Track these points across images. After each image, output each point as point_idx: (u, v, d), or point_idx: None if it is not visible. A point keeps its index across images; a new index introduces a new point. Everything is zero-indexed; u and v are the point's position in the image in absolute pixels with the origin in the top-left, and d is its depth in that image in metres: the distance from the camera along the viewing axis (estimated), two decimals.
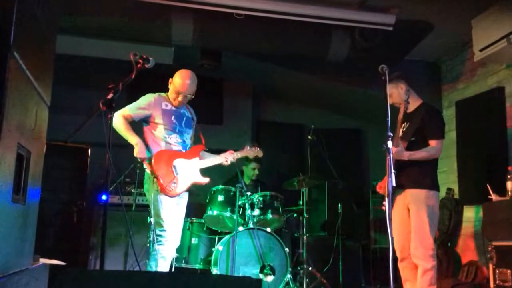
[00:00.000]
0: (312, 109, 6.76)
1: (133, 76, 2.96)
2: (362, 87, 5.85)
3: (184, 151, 3.67)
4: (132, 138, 3.50)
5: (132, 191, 4.94)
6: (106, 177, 2.83)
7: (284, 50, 4.99)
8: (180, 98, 3.64)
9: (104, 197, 4.82)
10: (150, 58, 3.05)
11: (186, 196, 3.72)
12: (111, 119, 2.83)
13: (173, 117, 3.63)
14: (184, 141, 3.69)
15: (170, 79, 3.71)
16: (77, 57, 5.12)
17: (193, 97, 3.70)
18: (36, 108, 2.11)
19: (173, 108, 3.66)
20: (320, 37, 4.88)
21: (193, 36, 4.65)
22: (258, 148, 4.09)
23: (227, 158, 3.82)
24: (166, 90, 3.75)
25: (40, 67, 2.17)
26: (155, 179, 3.45)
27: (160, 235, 3.45)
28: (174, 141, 3.62)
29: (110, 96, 2.79)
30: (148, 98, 3.65)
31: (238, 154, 3.96)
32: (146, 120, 3.63)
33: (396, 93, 3.74)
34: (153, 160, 3.49)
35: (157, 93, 3.69)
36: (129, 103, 5.81)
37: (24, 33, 1.84)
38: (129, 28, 4.60)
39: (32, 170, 2.14)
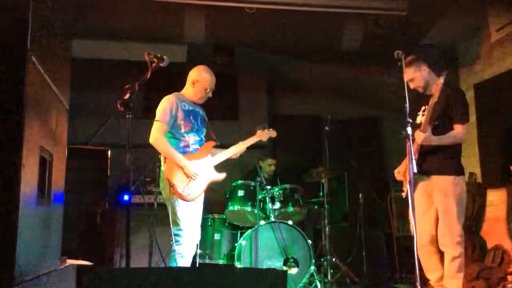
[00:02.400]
0: (328, 99, 6.70)
1: (149, 75, 2.97)
2: (378, 74, 5.79)
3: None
4: (179, 160, 3.45)
5: (153, 189, 4.97)
6: (127, 177, 2.85)
7: (297, 42, 4.97)
8: (210, 94, 3.67)
9: (126, 197, 4.89)
10: (165, 57, 3.06)
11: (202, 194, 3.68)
12: (129, 119, 2.84)
13: (191, 117, 3.60)
14: (201, 139, 3.67)
15: (191, 76, 3.67)
16: (93, 60, 5.18)
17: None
18: (56, 111, 2.14)
19: (191, 108, 3.64)
20: (333, 27, 4.84)
21: (205, 32, 4.66)
22: (270, 128, 3.98)
23: (236, 148, 3.76)
24: (180, 88, 3.73)
25: (57, 71, 2.20)
26: (171, 187, 3.43)
27: (177, 235, 3.42)
28: (193, 140, 3.59)
29: (127, 96, 2.80)
30: (171, 102, 3.56)
31: (250, 141, 3.85)
32: None
33: (419, 76, 3.65)
34: (166, 169, 3.45)
35: (173, 94, 3.63)
36: (146, 103, 5.85)
37: (41, 38, 1.87)
38: (142, 29, 4.64)
39: (55, 172, 2.18)
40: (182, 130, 3.55)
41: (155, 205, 4.97)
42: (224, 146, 3.85)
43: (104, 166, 5.02)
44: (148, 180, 5.15)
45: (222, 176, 3.69)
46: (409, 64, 3.60)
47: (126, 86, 2.85)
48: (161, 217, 4.91)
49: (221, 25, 4.74)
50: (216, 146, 3.80)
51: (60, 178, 2.36)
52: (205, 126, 3.76)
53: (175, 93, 3.68)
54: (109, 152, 5.01)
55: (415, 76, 3.64)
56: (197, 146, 3.62)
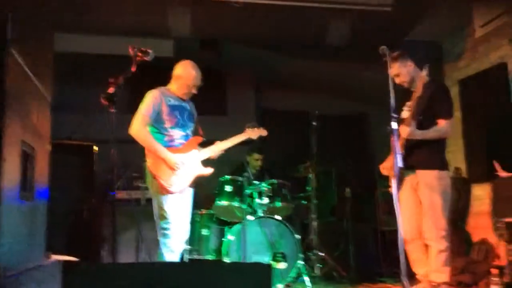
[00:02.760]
0: (316, 95, 6.70)
1: (133, 69, 2.94)
2: (364, 70, 5.80)
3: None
4: (160, 151, 3.43)
5: (140, 185, 4.93)
6: (113, 173, 2.83)
7: (283, 36, 4.96)
8: (194, 90, 3.64)
9: (112, 193, 4.85)
10: (150, 51, 3.04)
11: (190, 189, 3.67)
12: (113, 114, 2.81)
13: (177, 112, 3.58)
14: (187, 135, 3.65)
15: (175, 72, 3.64)
16: (77, 54, 5.12)
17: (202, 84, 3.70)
18: (38, 105, 2.11)
19: (176, 103, 3.61)
20: (319, 21, 4.83)
21: (191, 26, 4.63)
22: (260, 128, 3.96)
23: (224, 144, 3.73)
24: (167, 83, 3.71)
25: (39, 64, 2.17)
26: (155, 180, 3.42)
27: (165, 228, 3.42)
28: (178, 135, 3.57)
29: (111, 90, 2.77)
30: (155, 96, 3.54)
31: (238, 138, 3.83)
32: None
33: (405, 71, 3.67)
34: (150, 162, 3.44)
35: (157, 89, 3.60)
36: (132, 98, 5.77)
37: (22, 30, 1.83)
38: (127, 22, 4.59)
39: (38, 167, 2.14)
40: (167, 125, 3.53)
41: (142, 201, 4.94)
42: (211, 142, 3.81)
43: (90, 162, 4.97)
44: (135, 175, 5.11)
45: (208, 171, 3.67)
46: (394, 59, 3.61)
47: (110, 80, 2.82)
48: (148, 213, 4.89)
49: (207, 19, 4.71)
50: (202, 142, 3.77)
51: (43, 173, 2.33)
52: (192, 121, 3.73)
53: (160, 87, 3.65)
54: (95, 147, 4.96)
55: (401, 71, 3.66)
56: (182, 141, 3.60)
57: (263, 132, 3.98)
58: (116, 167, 2.81)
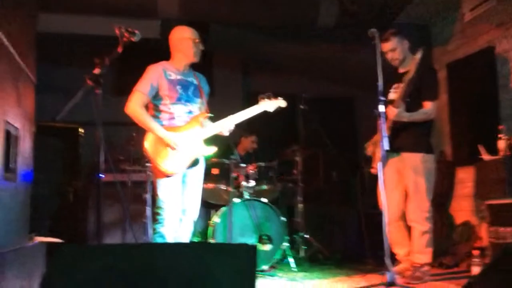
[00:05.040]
0: (303, 78, 6.72)
1: (120, 50, 2.91)
2: (352, 53, 5.82)
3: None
4: (157, 130, 3.28)
5: (126, 168, 4.92)
6: (99, 155, 2.81)
7: (272, 18, 4.93)
8: (201, 46, 3.45)
9: (98, 176, 4.84)
10: (136, 31, 2.99)
11: (196, 168, 3.46)
12: (99, 95, 2.79)
13: (178, 86, 3.40)
14: (191, 112, 3.44)
15: (173, 40, 3.48)
16: (62, 34, 5.04)
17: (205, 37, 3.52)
18: (21, 84, 2.09)
19: (178, 77, 3.43)
20: (308, 3, 4.82)
21: (179, 7, 4.58)
22: (278, 97, 3.60)
23: (235, 118, 3.49)
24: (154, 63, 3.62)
25: (23, 44, 2.14)
26: (151, 162, 3.31)
27: (157, 213, 3.30)
28: (180, 112, 3.39)
29: (96, 71, 2.74)
30: (153, 72, 3.38)
31: (252, 111, 3.54)
32: None
33: (401, 48, 3.69)
34: (145, 142, 3.30)
35: (158, 63, 3.45)
36: (118, 80, 5.74)
37: (4, 8, 1.81)
38: (113, 2, 4.52)
39: (22, 147, 2.13)
40: (167, 102, 3.37)
41: (129, 184, 4.94)
42: (212, 116, 3.58)
43: (76, 144, 4.94)
44: (122, 158, 5.11)
45: (210, 150, 3.43)
46: (393, 34, 3.64)
47: (96, 61, 2.79)
48: (134, 196, 4.91)
49: (195, 0, 4.66)
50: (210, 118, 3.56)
51: (27, 154, 2.31)
52: (198, 96, 3.51)
53: (162, 62, 3.49)
54: (80, 130, 4.93)
55: (397, 46, 3.67)
56: (185, 118, 3.42)
57: (282, 103, 3.64)
58: (102, 149, 2.78)
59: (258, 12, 4.99)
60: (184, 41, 3.47)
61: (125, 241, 4.99)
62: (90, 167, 5.19)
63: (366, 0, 4.70)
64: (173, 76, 3.44)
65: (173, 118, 3.40)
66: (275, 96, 3.65)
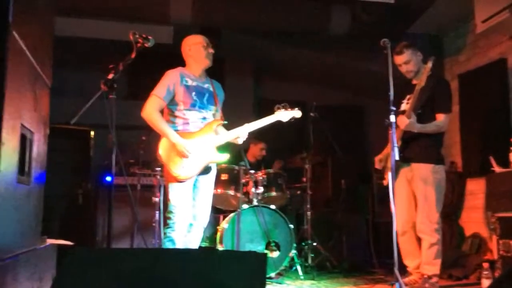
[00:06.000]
0: (314, 86, 6.72)
1: (134, 55, 2.93)
2: (364, 62, 5.81)
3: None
4: (171, 136, 3.29)
5: (137, 171, 4.95)
6: (110, 158, 2.83)
7: (284, 25, 4.95)
8: (211, 49, 3.48)
9: (108, 178, 4.87)
10: (150, 37, 3.02)
11: (208, 174, 3.48)
12: (113, 99, 2.81)
13: (193, 93, 3.41)
14: (205, 118, 3.46)
15: (184, 48, 3.51)
16: (77, 39, 5.09)
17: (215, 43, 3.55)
18: (38, 88, 2.11)
19: (194, 84, 3.46)
20: (320, 11, 4.83)
21: (192, 13, 4.60)
22: (294, 108, 3.60)
23: (249, 127, 3.49)
24: (167, 69, 3.63)
25: (39, 48, 2.16)
26: (163, 166, 3.34)
27: (168, 218, 3.31)
28: (194, 118, 3.41)
29: (111, 76, 2.77)
30: (171, 76, 3.41)
31: (267, 120, 3.55)
32: None
33: (415, 60, 3.67)
34: (159, 148, 3.32)
35: (176, 69, 3.48)
36: (131, 85, 5.77)
37: (23, 13, 1.83)
38: (127, 8, 4.56)
39: (36, 151, 2.15)
40: (182, 107, 3.39)
41: (138, 187, 4.96)
42: (226, 123, 3.60)
43: (86, 147, 4.97)
44: (132, 161, 5.13)
45: (223, 157, 3.44)
46: (406, 46, 3.64)
47: (110, 66, 2.82)
48: (144, 199, 4.92)
49: (208, 6, 4.69)
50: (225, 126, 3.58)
51: (41, 157, 2.33)
52: (213, 103, 3.53)
53: (180, 67, 3.52)
54: (91, 132, 4.96)
55: (412, 59, 3.66)
56: (199, 124, 3.44)
57: (297, 114, 3.63)
58: (113, 153, 2.80)
59: (270, 19, 5.01)
60: (193, 46, 3.51)
61: (134, 245, 5.00)
62: (100, 170, 5.22)
63: (378, 10, 4.69)
64: (190, 82, 3.46)
65: (187, 123, 3.42)
66: (291, 106, 3.64)
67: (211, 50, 3.53)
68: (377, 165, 3.82)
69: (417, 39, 5.68)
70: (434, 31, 5.93)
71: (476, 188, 5.12)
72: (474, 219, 5.12)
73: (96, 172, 5.19)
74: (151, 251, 2.86)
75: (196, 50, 3.50)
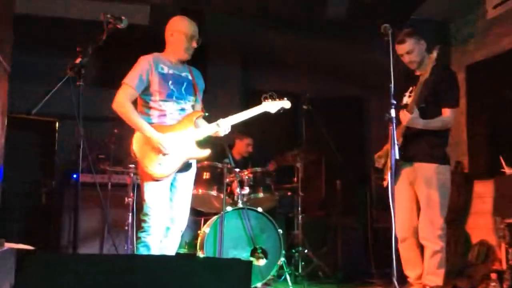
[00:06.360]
0: (308, 75, 6.73)
1: (104, 37, 2.90)
2: (363, 50, 5.82)
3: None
4: (145, 130, 3.25)
5: (107, 168, 4.92)
6: (77, 153, 2.80)
7: (274, 8, 4.92)
8: (194, 44, 3.44)
9: (75, 176, 4.83)
10: (123, 18, 2.98)
11: (187, 172, 3.46)
12: (80, 86, 2.78)
13: (170, 82, 3.39)
14: (183, 109, 3.44)
15: (167, 30, 3.46)
16: (41, 18, 5.02)
17: (201, 40, 3.49)
18: None
19: (171, 71, 3.43)
20: None
21: None
22: (282, 98, 3.62)
23: (234, 119, 3.48)
24: (142, 54, 3.59)
25: None
26: (137, 163, 3.31)
27: (143, 220, 3.28)
28: (171, 109, 3.39)
29: (78, 60, 2.74)
30: (144, 63, 3.37)
31: (253, 111, 3.55)
32: None
33: (418, 49, 3.68)
34: (133, 142, 3.29)
35: (150, 55, 3.44)
36: (102, 71, 5.73)
37: None
38: None
39: None
40: (157, 98, 3.36)
41: (109, 186, 4.94)
42: (207, 115, 3.57)
43: (51, 140, 4.93)
44: (102, 157, 5.09)
45: (204, 153, 3.41)
46: (409, 34, 3.64)
47: (78, 49, 2.78)
48: (116, 199, 4.90)
49: None
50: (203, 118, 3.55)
51: None
52: (193, 94, 3.51)
53: (155, 53, 3.47)
54: (56, 124, 4.92)
55: (415, 48, 3.67)
56: (177, 116, 3.41)
57: (286, 104, 3.67)
58: (81, 146, 2.78)
59: (260, 0, 5.00)
60: (176, 33, 3.45)
61: (103, 251, 4.97)
62: (66, 166, 5.18)
63: None
64: (166, 70, 3.43)
65: (164, 115, 3.39)
66: (279, 96, 3.66)
67: (195, 44, 3.49)
68: (377, 164, 3.84)
69: (422, 25, 5.70)
70: (440, 17, 5.95)
71: (484, 191, 5.17)
72: (481, 225, 5.17)
73: (62, 168, 5.14)
74: (123, 258, 2.85)
75: (178, 39, 3.45)
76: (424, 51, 3.71)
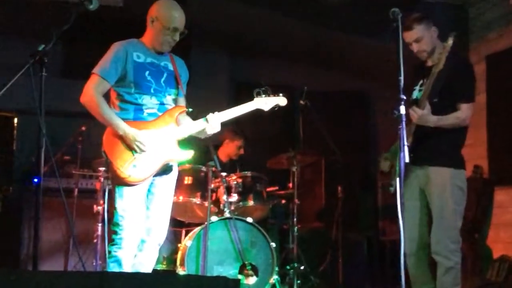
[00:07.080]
0: (305, 67, 6.76)
1: (72, 21, 2.91)
2: (369, 38, 5.85)
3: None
4: (118, 126, 3.23)
5: (73, 172, 4.91)
6: (38, 154, 2.81)
7: None
8: (176, 36, 3.40)
9: (36, 180, 4.81)
10: None
11: (167, 176, 3.46)
12: (42, 77, 2.78)
13: (147, 72, 3.37)
14: (163, 104, 3.42)
15: (149, 14, 3.41)
16: None
17: (186, 32, 3.45)
18: None
19: (149, 59, 3.42)
20: None
21: None
22: (278, 94, 3.62)
23: (222, 116, 3.45)
24: (115, 40, 3.58)
25: None
26: (109, 165, 3.27)
27: (114, 232, 3.26)
28: (150, 104, 3.36)
29: (41, 47, 2.74)
30: (118, 51, 3.34)
31: (244, 108, 3.54)
32: None
33: (428, 37, 3.69)
34: (103, 141, 3.28)
35: (124, 41, 3.41)
36: (68, 59, 5.70)
37: None
38: None
39: None
40: (133, 91, 3.34)
41: (76, 192, 4.93)
42: (190, 111, 3.54)
43: (8, 138, 4.91)
44: (67, 159, 5.08)
45: (186, 154, 3.39)
46: (418, 20, 3.66)
47: (42, 35, 2.79)
48: (82, 208, 4.89)
49: None
50: (187, 114, 3.53)
51: None
52: (174, 87, 3.51)
53: (130, 39, 3.45)
54: (15, 119, 4.91)
55: (424, 35, 3.68)
56: (156, 112, 3.39)
57: (282, 101, 3.66)
58: (43, 146, 2.78)
59: None
60: (157, 23, 3.40)
61: (68, 267, 4.96)
62: (27, 169, 5.16)
63: None
64: (142, 59, 3.41)
65: (140, 110, 3.37)
66: (274, 91, 3.66)
67: (176, 38, 3.45)
68: (382, 167, 3.86)
69: (436, 9, 5.74)
70: (458, 0, 6.00)
71: (506, 200, 5.22)
72: (503, 239, 5.21)
73: (21, 171, 5.13)
74: (91, 275, 2.85)
75: (157, 28, 3.40)
76: (436, 38, 3.73)
